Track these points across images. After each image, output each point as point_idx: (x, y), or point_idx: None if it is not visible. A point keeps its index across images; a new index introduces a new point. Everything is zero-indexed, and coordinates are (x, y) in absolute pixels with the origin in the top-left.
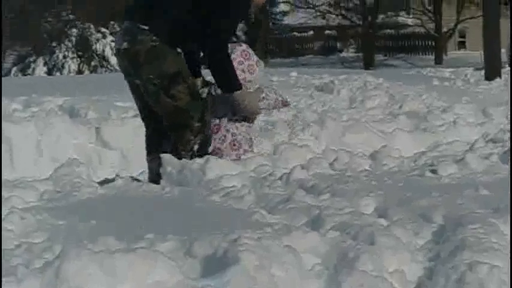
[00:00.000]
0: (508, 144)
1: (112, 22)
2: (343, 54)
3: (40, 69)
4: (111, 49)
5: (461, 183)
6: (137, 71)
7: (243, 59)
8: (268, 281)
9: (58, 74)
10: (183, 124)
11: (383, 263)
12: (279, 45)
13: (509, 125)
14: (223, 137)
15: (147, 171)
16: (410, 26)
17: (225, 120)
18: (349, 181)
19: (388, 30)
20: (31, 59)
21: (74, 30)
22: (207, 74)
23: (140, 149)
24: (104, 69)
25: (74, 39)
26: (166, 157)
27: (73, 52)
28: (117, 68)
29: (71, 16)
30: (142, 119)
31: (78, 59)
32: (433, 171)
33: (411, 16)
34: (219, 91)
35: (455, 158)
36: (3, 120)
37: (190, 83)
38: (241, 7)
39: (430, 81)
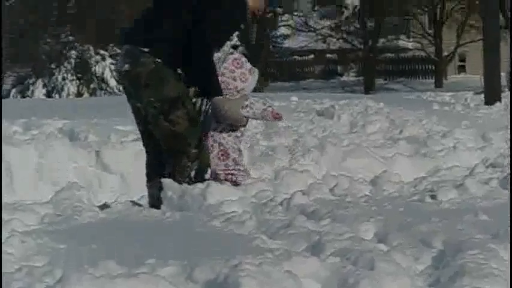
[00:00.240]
0: (508, 169)
1: (111, 44)
2: (344, 78)
3: (39, 91)
4: (111, 71)
5: (461, 208)
6: (138, 93)
7: (234, 67)
8: None
9: (57, 96)
10: (181, 150)
11: None
12: (279, 69)
13: (509, 150)
14: (210, 147)
15: (147, 195)
16: (410, 49)
17: (213, 131)
18: (349, 206)
19: (389, 54)
20: (30, 81)
21: (73, 52)
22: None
23: (140, 173)
24: (103, 91)
25: (73, 61)
26: (167, 182)
27: (72, 74)
28: (117, 90)
29: (70, 38)
30: (143, 144)
31: (78, 81)
32: (433, 197)
33: (411, 40)
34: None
35: (455, 183)
36: (3, 143)
37: (189, 108)
38: (238, 14)
39: (430, 106)
